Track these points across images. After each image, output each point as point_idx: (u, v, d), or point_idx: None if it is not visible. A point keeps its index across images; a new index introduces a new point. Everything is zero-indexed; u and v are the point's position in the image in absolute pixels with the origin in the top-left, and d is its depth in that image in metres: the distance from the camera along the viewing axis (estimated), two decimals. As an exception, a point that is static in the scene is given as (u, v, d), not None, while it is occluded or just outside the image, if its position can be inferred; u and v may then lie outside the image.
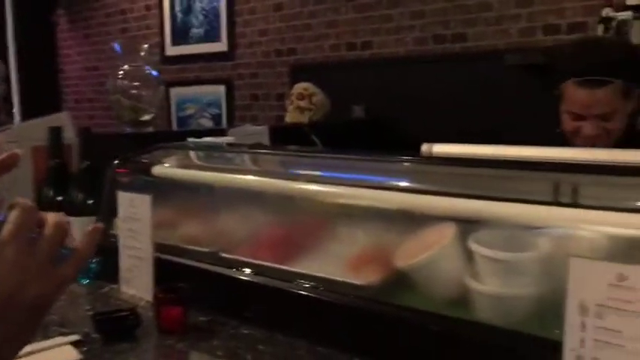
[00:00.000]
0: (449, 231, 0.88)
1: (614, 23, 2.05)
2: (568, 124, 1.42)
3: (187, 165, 1.37)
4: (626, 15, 2.05)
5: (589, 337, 0.67)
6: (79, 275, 0.51)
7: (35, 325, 0.47)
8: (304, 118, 2.61)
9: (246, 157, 1.31)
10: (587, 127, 1.36)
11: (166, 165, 1.32)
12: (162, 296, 1.00)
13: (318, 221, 1.06)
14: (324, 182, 1.04)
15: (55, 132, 1.39)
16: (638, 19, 2.09)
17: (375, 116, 2.98)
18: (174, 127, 3.86)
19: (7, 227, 0.45)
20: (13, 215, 0.46)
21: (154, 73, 1.97)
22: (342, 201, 1.01)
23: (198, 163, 1.39)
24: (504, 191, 0.92)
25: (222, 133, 1.98)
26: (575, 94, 1.37)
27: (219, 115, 3.75)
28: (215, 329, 1.01)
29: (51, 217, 0.48)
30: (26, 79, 4.58)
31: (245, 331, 1.00)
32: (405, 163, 1.06)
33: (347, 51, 3.18)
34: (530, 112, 2.44)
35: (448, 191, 0.93)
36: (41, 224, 0.48)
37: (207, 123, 3.76)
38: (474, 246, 0.84)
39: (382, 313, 0.88)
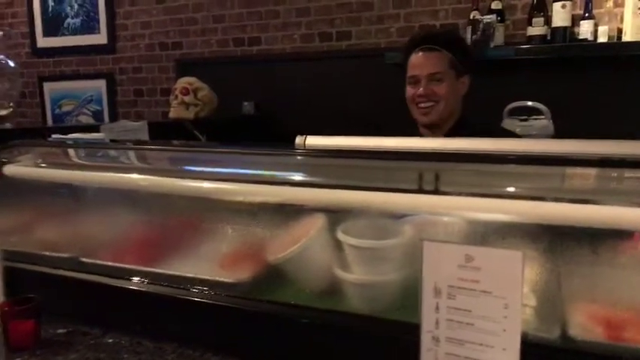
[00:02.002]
0: (317, 222, 0.88)
1: (480, 25, 2.21)
2: (408, 92, 1.68)
3: (47, 164, 1.25)
4: (490, 18, 2.21)
5: (442, 318, 0.70)
6: None
7: None
8: (190, 114, 2.51)
9: (110, 153, 1.22)
10: (420, 88, 1.62)
11: (20, 164, 1.19)
12: (9, 309, 0.90)
13: (188, 219, 1.01)
14: (193, 177, 0.99)
15: None
16: (501, 22, 2.27)
17: (264, 112, 2.96)
18: (50, 125, 3.55)
19: None
20: None
21: (11, 63, 1.77)
22: (211, 196, 0.96)
23: (59, 161, 1.27)
24: (371, 181, 0.93)
25: (94, 129, 1.84)
26: (412, 61, 1.67)
27: (101, 112, 3.51)
28: (74, 341, 0.93)
29: None
30: None
31: (109, 340, 0.93)
32: (278, 156, 1.05)
33: (235, 46, 3.12)
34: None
35: (318, 182, 0.93)
36: None
37: (88, 120, 3.50)
38: (340, 235, 0.84)
39: (252, 309, 0.86)
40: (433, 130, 1.66)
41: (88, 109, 3.54)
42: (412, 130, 1.76)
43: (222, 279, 0.90)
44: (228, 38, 3.14)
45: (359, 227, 0.86)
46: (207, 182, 0.94)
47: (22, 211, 1.15)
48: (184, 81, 2.55)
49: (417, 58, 1.65)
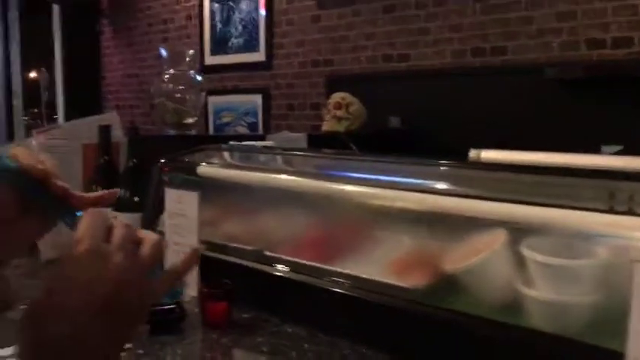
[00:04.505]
0: (499, 236, 0.87)
1: (662, 37, 2.01)
2: None
3: (230, 166, 1.39)
4: (675, 29, 2.00)
5: (652, 346, 0.65)
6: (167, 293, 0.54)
7: (133, 328, 0.50)
8: (341, 127, 2.62)
9: (288, 159, 1.33)
10: None
11: (210, 165, 1.35)
12: (207, 291, 1.02)
13: (362, 223, 1.06)
14: (370, 185, 1.04)
15: (105, 130, 1.44)
16: (689, 34, 2.04)
17: (411, 127, 2.97)
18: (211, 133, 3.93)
19: (115, 238, 0.48)
20: (118, 228, 0.49)
21: (198, 78, 2.01)
22: (388, 204, 1.00)
23: (241, 164, 1.41)
24: (557, 198, 0.90)
25: (261, 138, 2.01)
26: None
27: (256, 124, 3.80)
28: (258, 326, 1.02)
29: (149, 236, 0.51)
30: (71, 86, 4.75)
31: (288, 330, 1.00)
32: (452, 168, 1.06)
33: (384, 62, 3.19)
34: (569, 126, 2.40)
35: (499, 197, 0.92)
36: (139, 242, 0.50)
37: (244, 131, 3.81)
38: (527, 252, 0.83)
39: (429, 316, 0.87)
40: None
41: (245, 121, 3.86)
42: None
43: (397, 283, 0.93)
44: (377, 55, 3.23)
45: (545, 244, 0.83)
46: (387, 190, 0.98)
47: (211, 206, 1.29)
48: (338, 96, 2.68)
49: None
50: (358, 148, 2.66)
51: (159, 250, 0.50)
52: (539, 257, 0.81)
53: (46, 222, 0.53)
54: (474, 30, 2.82)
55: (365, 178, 1.07)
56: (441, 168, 1.07)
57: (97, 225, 0.48)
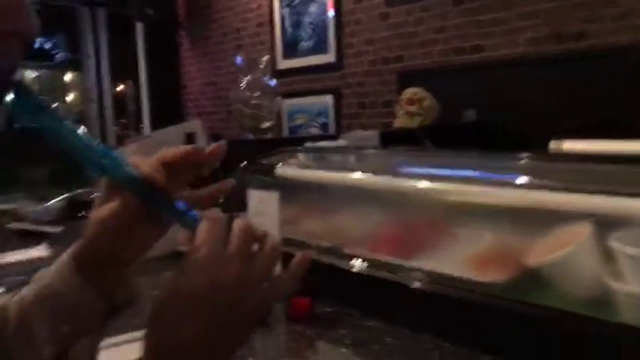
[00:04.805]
0: (584, 229, 0.85)
1: None
2: None
3: (307, 166, 1.44)
4: None
5: None
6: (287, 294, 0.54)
7: (249, 331, 0.52)
8: (414, 123, 2.60)
9: (362, 157, 1.35)
10: None
11: (290, 166, 1.40)
12: (291, 286, 1.07)
13: (441, 220, 1.07)
14: (448, 180, 1.04)
15: (191, 137, 1.54)
16: None
17: (487, 120, 2.89)
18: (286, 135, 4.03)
19: (233, 244, 0.49)
20: (237, 233, 0.50)
21: (272, 83, 2.09)
22: (468, 199, 1.00)
23: (316, 164, 1.45)
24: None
25: (334, 138, 2.05)
26: None
27: (327, 124, 3.86)
28: (340, 319, 1.05)
29: (268, 238, 0.51)
30: (155, 96, 5.07)
31: (369, 323, 1.03)
32: (533, 160, 1.03)
33: (455, 55, 3.13)
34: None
35: (585, 188, 0.89)
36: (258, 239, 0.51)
37: (316, 132, 3.89)
38: (615, 244, 0.80)
39: (513, 310, 0.87)
40: None
41: (317, 122, 3.93)
42: None
43: (478, 278, 0.93)
44: (448, 48, 3.17)
45: (634, 236, 0.80)
46: (466, 185, 0.98)
47: (290, 205, 1.34)
48: (410, 92, 2.66)
49: None
50: (432, 143, 2.63)
51: (276, 254, 0.51)
52: (630, 250, 0.78)
53: (164, 226, 0.56)
54: (550, 17, 2.70)
55: (443, 174, 1.08)
56: (521, 161, 1.05)
57: (216, 230, 0.49)
